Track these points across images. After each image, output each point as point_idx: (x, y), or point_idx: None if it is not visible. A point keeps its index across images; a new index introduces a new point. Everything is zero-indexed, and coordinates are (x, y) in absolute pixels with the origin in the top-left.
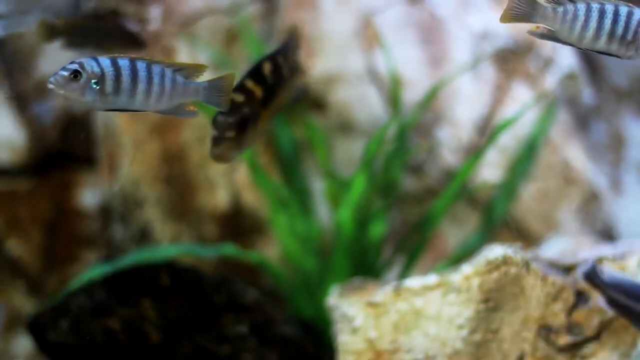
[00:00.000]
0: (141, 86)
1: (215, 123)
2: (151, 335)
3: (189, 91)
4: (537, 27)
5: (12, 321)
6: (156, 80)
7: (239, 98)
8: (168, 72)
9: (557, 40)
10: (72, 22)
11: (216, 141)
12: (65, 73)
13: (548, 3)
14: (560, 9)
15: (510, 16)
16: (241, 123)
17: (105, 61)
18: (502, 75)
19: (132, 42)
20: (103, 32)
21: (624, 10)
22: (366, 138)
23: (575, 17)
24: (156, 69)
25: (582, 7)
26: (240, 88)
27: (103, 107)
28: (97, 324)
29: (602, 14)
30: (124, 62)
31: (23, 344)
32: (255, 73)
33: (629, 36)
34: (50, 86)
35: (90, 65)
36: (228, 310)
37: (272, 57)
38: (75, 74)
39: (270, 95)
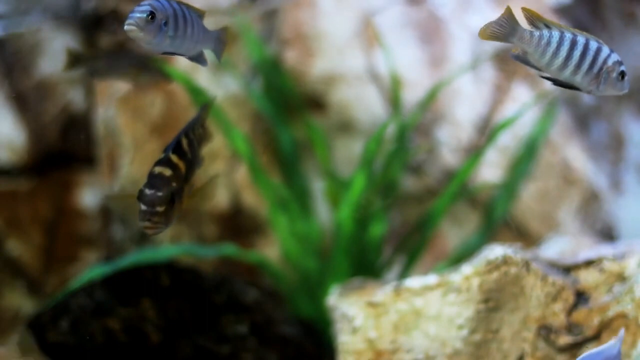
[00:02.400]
0: (189, 30)
1: (144, 197)
2: (151, 336)
3: (207, 38)
4: (515, 48)
5: (12, 321)
6: (195, 23)
7: (167, 172)
8: (195, 17)
9: (528, 63)
10: (97, 51)
11: (146, 215)
12: (143, 15)
13: (527, 27)
14: (537, 34)
15: (489, 33)
16: (171, 197)
17: (164, 2)
18: (502, 76)
19: (145, 65)
20: (124, 59)
21: (593, 45)
22: (366, 138)
23: (548, 43)
24: (192, 14)
25: (556, 34)
26: (167, 162)
27: (162, 49)
28: (97, 324)
29: (573, 45)
30: (176, 5)
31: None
32: (177, 148)
33: (594, 71)
34: (130, 27)
35: (157, 5)
36: (228, 310)
37: (186, 132)
38: (152, 15)
39: (189, 169)
